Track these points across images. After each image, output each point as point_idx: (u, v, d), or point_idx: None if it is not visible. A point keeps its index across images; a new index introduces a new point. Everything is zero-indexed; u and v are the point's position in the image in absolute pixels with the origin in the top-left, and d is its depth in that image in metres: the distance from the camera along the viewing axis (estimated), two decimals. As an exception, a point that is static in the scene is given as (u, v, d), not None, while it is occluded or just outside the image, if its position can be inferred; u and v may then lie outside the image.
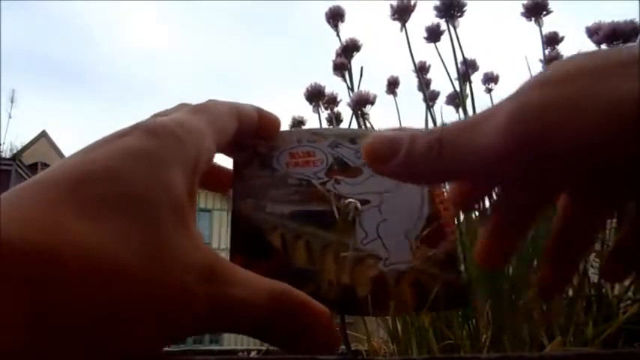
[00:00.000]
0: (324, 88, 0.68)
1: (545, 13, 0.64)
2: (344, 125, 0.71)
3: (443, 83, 0.65)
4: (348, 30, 0.72)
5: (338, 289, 0.22)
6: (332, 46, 0.71)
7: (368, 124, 0.64)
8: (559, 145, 0.15)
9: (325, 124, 0.70)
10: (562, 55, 0.68)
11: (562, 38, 0.68)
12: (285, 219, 0.24)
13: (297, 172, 0.26)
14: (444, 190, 0.26)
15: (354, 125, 0.65)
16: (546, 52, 0.66)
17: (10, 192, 0.14)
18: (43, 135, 8.73)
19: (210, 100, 0.22)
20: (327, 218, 0.24)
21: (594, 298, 0.45)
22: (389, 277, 0.23)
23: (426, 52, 0.67)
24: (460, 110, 0.64)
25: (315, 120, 0.70)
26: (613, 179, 0.16)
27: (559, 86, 0.16)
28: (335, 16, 0.71)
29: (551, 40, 0.68)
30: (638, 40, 0.59)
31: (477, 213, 0.51)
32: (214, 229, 8.46)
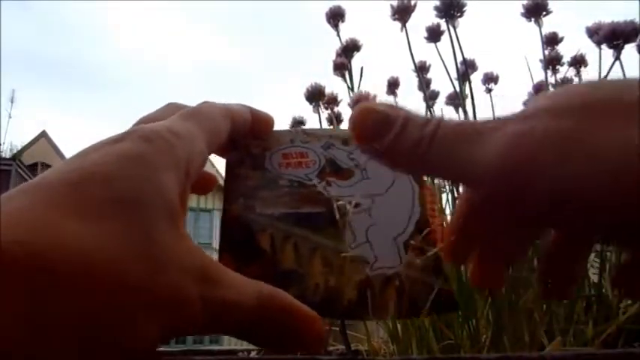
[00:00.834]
0: (324, 88, 0.69)
1: (545, 13, 0.64)
2: (344, 126, 0.71)
3: (443, 83, 0.65)
4: (348, 30, 0.72)
5: (324, 292, 0.22)
6: (332, 46, 0.71)
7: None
8: (551, 184, 0.15)
9: (325, 125, 0.70)
10: (562, 56, 0.68)
11: (562, 38, 0.68)
12: (275, 220, 0.24)
13: (289, 173, 0.26)
14: (435, 194, 0.26)
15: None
16: (546, 52, 0.67)
17: (4, 195, 0.14)
18: (43, 135, 8.73)
19: (204, 103, 0.22)
20: (317, 221, 0.24)
21: (594, 298, 0.45)
22: (375, 282, 0.22)
23: (426, 52, 0.68)
24: (460, 110, 0.64)
25: (315, 120, 0.70)
26: (604, 225, 0.16)
27: (562, 121, 0.16)
28: (335, 16, 0.71)
29: (551, 40, 0.68)
30: (638, 40, 0.59)
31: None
32: (214, 229, 8.46)
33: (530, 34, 0.66)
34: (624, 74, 0.59)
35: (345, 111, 0.70)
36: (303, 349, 0.18)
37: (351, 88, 0.68)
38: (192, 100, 0.23)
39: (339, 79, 0.70)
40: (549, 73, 0.67)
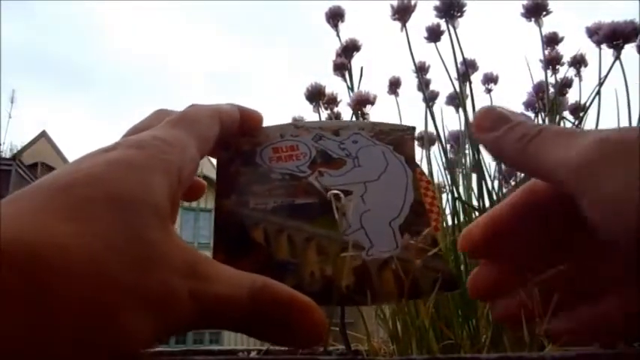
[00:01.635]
0: (324, 88, 0.68)
1: (545, 13, 0.64)
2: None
3: (443, 83, 0.65)
4: (348, 30, 0.72)
5: (320, 281, 0.22)
6: (332, 46, 0.71)
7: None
8: (615, 184, 0.16)
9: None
10: (562, 56, 0.68)
11: (562, 38, 0.68)
12: (268, 213, 0.24)
13: (280, 166, 0.26)
14: (430, 180, 0.26)
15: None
16: (546, 52, 0.67)
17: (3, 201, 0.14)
18: (43, 135, 8.74)
19: (191, 106, 0.22)
20: (310, 211, 0.24)
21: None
22: (371, 266, 0.23)
23: (426, 52, 0.67)
24: (460, 110, 0.64)
25: (315, 120, 0.69)
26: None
27: (629, 133, 0.17)
28: (335, 16, 0.71)
29: (551, 41, 0.68)
30: (638, 40, 0.59)
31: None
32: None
33: (530, 34, 0.66)
34: (624, 74, 0.59)
35: (345, 111, 0.70)
36: (303, 339, 0.18)
37: (350, 88, 0.68)
38: (192, 101, 0.23)
39: (339, 79, 0.70)
40: (549, 73, 0.67)
